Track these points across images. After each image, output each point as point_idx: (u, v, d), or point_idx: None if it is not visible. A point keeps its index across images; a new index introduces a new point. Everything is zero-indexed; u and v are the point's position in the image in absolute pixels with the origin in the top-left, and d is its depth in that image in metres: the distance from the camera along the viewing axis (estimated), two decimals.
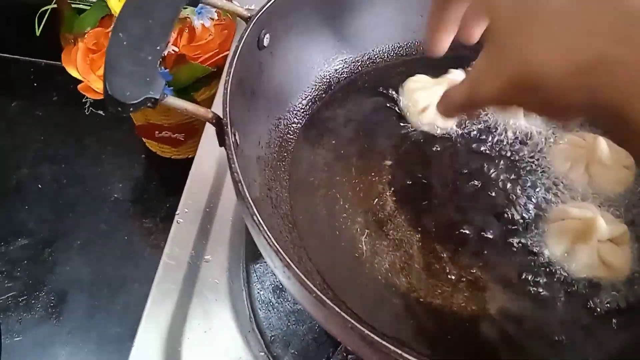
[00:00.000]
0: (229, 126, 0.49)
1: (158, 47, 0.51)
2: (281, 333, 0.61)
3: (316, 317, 0.45)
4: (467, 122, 0.71)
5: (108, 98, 0.47)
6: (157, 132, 1.09)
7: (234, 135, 0.51)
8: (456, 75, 0.72)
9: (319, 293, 0.40)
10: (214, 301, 0.63)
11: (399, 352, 0.38)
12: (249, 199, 0.45)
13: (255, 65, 0.62)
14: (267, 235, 0.43)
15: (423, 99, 0.71)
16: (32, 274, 1.00)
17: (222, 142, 0.51)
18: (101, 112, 1.26)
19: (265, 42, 0.62)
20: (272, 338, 0.60)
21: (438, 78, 0.73)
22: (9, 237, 1.07)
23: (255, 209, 0.44)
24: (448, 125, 0.70)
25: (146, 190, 1.17)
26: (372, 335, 0.39)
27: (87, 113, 1.26)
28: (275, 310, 0.62)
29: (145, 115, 1.06)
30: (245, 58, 0.57)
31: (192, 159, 0.75)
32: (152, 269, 0.65)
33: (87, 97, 1.24)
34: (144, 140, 1.19)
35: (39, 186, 1.15)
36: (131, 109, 0.47)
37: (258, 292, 0.64)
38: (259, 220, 0.44)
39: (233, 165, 0.47)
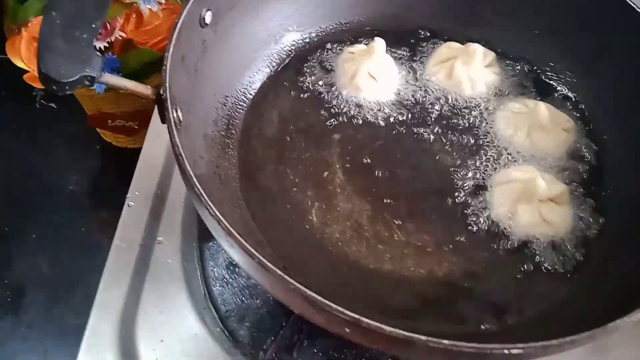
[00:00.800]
0: (168, 101, 0.49)
1: (93, 26, 0.50)
2: (236, 308, 0.61)
3: (263, 284, 0.45)
4: (411, 92, 0.72)
5: (42, 76, 0.46)
6: (110, 121, 1.07)
7: (176, 111, 0.51)
8: (377, 44, 0.72)
9: (261, 258, 0.40)
10: (168, 281, 0.63)
11: (340, 309, 0.39)
12: (190, 172, 0.45)
13: (197, 42, 0.61)
14: (209, 205, 0.43)
15: (350, 69, 0.72)
16: None
17: (163, 118, 0.50)
18: (53, 105, 1.23)
19: (207, 19, 0.61)
20: (227, 313, 0.61)
21: (367, 47, 0.73)
22: None
23: (196, 180, 0.44)
24: (374, 95, 0.71)
25: (102, 181, 1.15)
26: (315, 295, 0.39)
27: (38, 106, 1.24)
28: (229, 286, 0.62)
29: (97, 104, 1.04)
30: (187, 35, 0.57)
31: None
32: None
33: (37, 90, 1.21)
34: (98, 130, 1.17)
35: None
36: (67, 87, 0.47)
37: (212, 270, 0.64)
38: (200, 192, 0.44)
39: (173, 140, 0.47)
